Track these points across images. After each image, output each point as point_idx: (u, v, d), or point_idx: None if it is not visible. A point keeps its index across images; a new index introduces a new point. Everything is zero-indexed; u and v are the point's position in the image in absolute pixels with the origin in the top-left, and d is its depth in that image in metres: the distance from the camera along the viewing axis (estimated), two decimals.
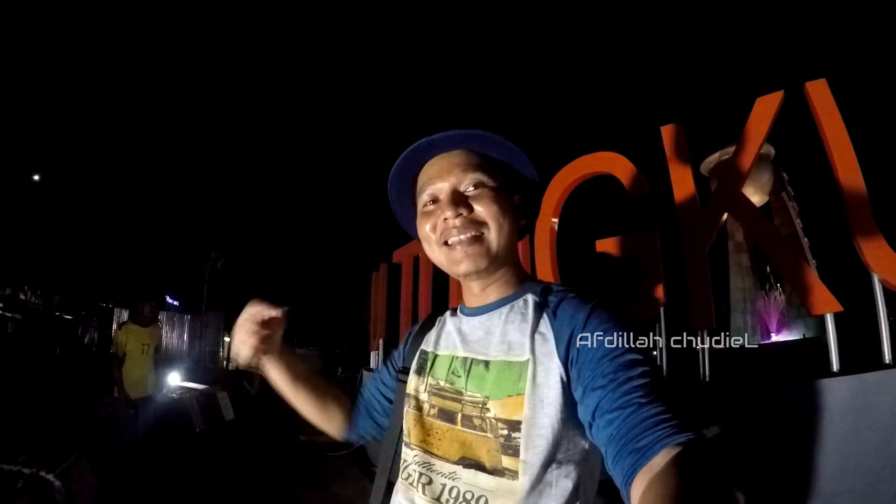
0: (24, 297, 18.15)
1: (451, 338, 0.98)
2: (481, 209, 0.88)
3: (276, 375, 1.12)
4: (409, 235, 1.10)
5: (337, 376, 17.02)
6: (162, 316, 17.34)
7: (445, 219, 0.89)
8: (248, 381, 14.52)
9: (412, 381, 0.99)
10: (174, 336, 18.58)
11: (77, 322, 17.53)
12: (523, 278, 0.98)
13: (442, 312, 1.09)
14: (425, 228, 0.93)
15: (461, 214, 0.88)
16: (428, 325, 1.08)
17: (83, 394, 7.67)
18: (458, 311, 1.03)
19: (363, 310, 8.90)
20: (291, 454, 6.49)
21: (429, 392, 0.94)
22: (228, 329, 24.22)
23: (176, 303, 22.99)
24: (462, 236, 0.88)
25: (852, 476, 2.29)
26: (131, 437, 5.01)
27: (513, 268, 0.96)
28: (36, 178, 20.18)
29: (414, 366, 1.02)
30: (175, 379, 9.58)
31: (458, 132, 0.91)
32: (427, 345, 1.03)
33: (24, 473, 3.23)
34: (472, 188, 0.90)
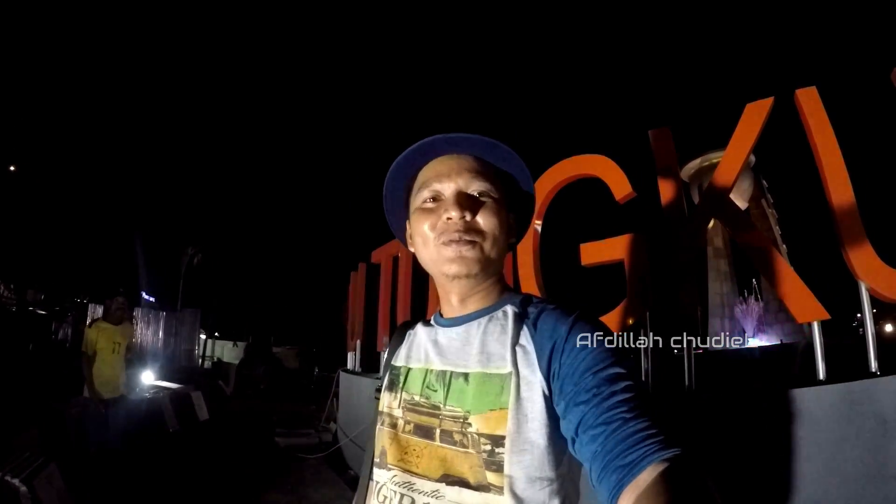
0: None
1: (423, 350, 0.95)
2: (483, 219, 0.87)
3: None
4: (388, 234, 1.07)
5: (314, 376, 16.90)
6: (137, 312, 17.14)
7: (449, 218, 0.87)
8: (224, 381, 14.38)
9: (384, 398, 0.97)
10: (149, 333, 18.30)
11: (51, 318, 17.19)
12: (503, 290, 0.96)
13: (412, 325, 1.06)
14: (423, 226, 0.90)
15: (464, 217, 0.86)
16: (398, 340, 1.06)
17: (55, 393, 7.50)
18: (432, 321, 1.01)
19: (341, 309, 8.85)
20: (266, 456, 6.40)
21: (403, 408, 0.91)
22: (204, 327, 24.04)
23: (152, 299, 22.71)
24: (461, 238, 0.86)
25: (838, 484, 2.29)
26: (101, 438, 4.89)
27: (496, 281, 0.95)
28: (12, 169, 19.81)
29: (385, 382, 1.00)
30: (149, 377, 9.43)
31: (477, 137, 0.90)
32: (397, 360, 1.00)
33: None
34: (477, 195, 0.89)
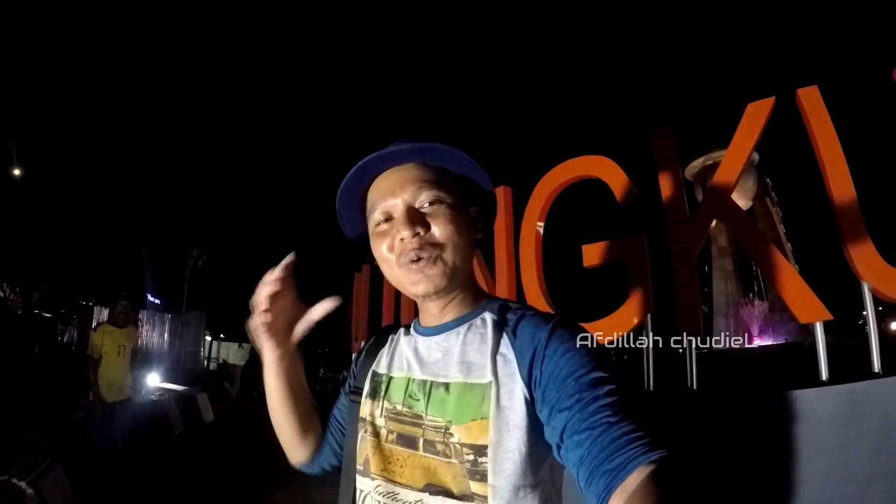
0: (2, 294, 17.84)
1: (405, 359, 0.94)
2: (437, 230, 0.85)
3: (276, 377, 1.00)
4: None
5: (319, 377, 16.93)
6: (142, 315, 17.16)
7: (402, 239, 0.85)
8: (229, 382, 14.41)
9: (366, 405, 0.95)
10: (154, 335, 18.29)
11: (57, 320, 17.23)
12: (479, 296, 0.95)
13: (395, 329, 1.05)
14: (381, 249, 0.89)
15: (418, 234, 0.84)
16: (379, 343, 1.05)
17: (61, 396, 7.53)
18: (411, 329, 1.00)
19: (346, 310, 8.86)
20: (271, 457, 6.39)
21: (385, 417, 0.90)
22: (209, 328, 24.08)
23: (157, 301, 22.74)
24: (419, 256, 0.85)
25: (841, 486, 2.27)
26: (107, 441, 4.92)
27: (469, 285, 0.94)
28: (17, 173, 19.88)
29: (366, 389, 0.97)
30: (154, 380, 9.48)
31: (410, 146, 0.87)
32: (379, 366, 0.99)
33: None
34: (427, 205, 0.87)
